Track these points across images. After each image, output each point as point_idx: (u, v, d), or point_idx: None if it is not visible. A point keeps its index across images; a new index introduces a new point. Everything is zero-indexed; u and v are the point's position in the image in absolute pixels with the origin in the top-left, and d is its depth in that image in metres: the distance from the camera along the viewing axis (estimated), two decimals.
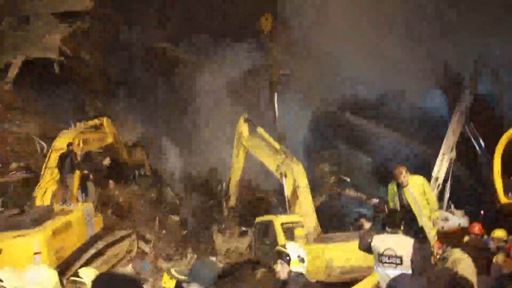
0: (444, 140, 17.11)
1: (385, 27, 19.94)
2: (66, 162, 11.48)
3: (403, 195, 7.16)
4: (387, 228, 5.14)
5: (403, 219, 5.45)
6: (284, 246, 4.08)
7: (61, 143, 12.22)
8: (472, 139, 18.15)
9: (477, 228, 8.60)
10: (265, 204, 19.02)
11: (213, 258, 14.20)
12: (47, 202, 10.74)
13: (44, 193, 10.97)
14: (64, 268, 8.92)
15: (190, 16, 23.99)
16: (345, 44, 20.07)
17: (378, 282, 5.22)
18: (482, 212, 15.40)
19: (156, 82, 23.41)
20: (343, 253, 9.52)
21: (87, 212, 10.83)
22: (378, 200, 20.19)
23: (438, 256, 6.98)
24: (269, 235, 11.62)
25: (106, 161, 16.23)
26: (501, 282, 5.94)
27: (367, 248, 5.16)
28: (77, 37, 20.83)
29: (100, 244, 11.19)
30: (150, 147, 21.01)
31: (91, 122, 14.86)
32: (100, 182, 14.97)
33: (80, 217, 10.37)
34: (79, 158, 12.13)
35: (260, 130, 14.52)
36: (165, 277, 4.55)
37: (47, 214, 9.56)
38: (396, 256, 4.79)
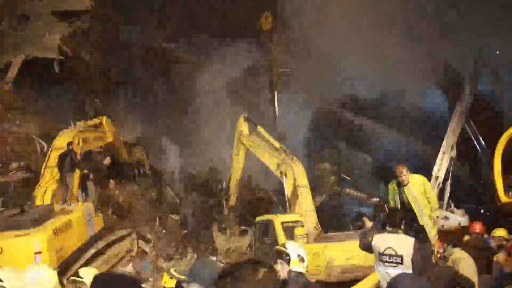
0: (444, 139, 17.14)
1: (385, 27, 19.95)
2: (66, 161, 11.45)
3: (403, 194, 7.16)
4: (387, 227, 5.14)
5: (404, 218, 5.44)
6: (283, 245, 4.07)
7: (61, 142, 12.19)
8: (473, 139, 18.16)
9: (477, 227, 8.60)
10: (265, 203, 19.03)
11: (213, 258, 14.21)
12: (47, 201, 10.72)
13: (44, 192, 10.94)
14: (65, 268, 8.91)
15: (190, 16, 24.00)
16: (345, 44, 20.08)
17: (379, 282, 5.21)
18: (482, 211, 15.42)
19: (156, 82, 23.42)
20: (343, 253, 9.49)
21: (87, 211, 10.82)
22: (378, 199, 20.21)
23: (438, 255, 6.99)
24: (269, 235, 11.63)
25: (106, 161, 16.20)
26: (502, 281, 5.94)
27: (367, 247, 5.15)
28: (77, 37, 20.83)
29: (100, 244, 11.17)
30: (150, 147, 21.01)
31: (90, 122, 14.84)
32: (100, 182, 14.95)
33: (80, 216, 10.36)
34: (79, 157, 12.12)
35: (260, 129, 14.53)
36: (165, 277, 4.54)
37: (48, 213, 9.54)
38: (396, 255, 4.78)
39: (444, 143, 17.06)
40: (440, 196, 15.39)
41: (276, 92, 21.86)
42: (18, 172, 13.73)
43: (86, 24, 21.06)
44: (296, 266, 3.92)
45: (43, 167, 11.92)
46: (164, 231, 16.35)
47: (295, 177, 12.11)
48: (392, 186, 7.37)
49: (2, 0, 20.66)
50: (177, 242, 16.09)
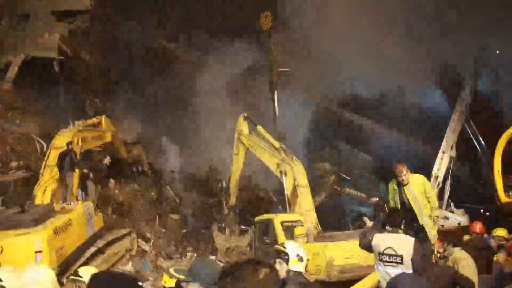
0: (444, 139, 17.15)
1: (385, 27, 19.97)
2: (66, 160, 11.46)
3: (403, 194, 7.15)
4: (387, 227, 5.13)
5: (404, 218, 5.43)
6: (282, 244, 4.06)
7: (60, 141, 12.20)
8: (473, 138, 18.17)
9: (477, 226, 8.61)
10: (265, 203, 19.04)
11: (213, 257, 14.21)
12: (46, 200, 10.73)
13: (44, 191, 10.96)
14: (65, 267, 8.91)
15: (190, 16, 24.00)
16: (345, 44, 20.09)
17: (379, 281, 5.21)
18: (482, 211, 15.43)
19: (156, 81, 23.41)
20: (343, 252, 9.49)
21: (87, 211, 10.82)
22: (378, 199, 20.23)
23: (438, 255, 6.99)
24: (269, 234, 11.63)
25: (106, 160, 16.22)
26: (502, 281, 5.94)
27: (367, 247, 5.15)
28: (77, 37, 20.84)
29: (100, 243, 11.17)
30: (150, 146, 21.01)
31: (89, 121, 14.85)
32: (100, 181, 14.96)
33: (80, 216, 10.36)
34: (78, 157, 12.12)
35: (259, 128, 14.52)
36: (165, 276, 4.53)
37: (48, 213, 9.53)
38: (396, 255, 4.77)
39: (444, 143, 17.07)
40: (440, 196, 15.41)
41: (276, 92, 21.84)
42: (18, 171, 13.74)
43: (86, 24, 21.07)
44: (295, 265, 3.92)
45: (43, 166, 11.93)
46: (164, 230, 16.37)
47: (295, 176, 12.11)
48: (392, 186, 7.35)
49: (2, 0, 20.67)
50: (177, 242, 16.11)
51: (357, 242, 5.40)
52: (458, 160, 17.31)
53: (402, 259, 4.74)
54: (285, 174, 12.29)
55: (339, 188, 21.82)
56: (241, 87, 24.06)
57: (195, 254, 14.82)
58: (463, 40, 18.87)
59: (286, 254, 3.92)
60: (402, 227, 5.19)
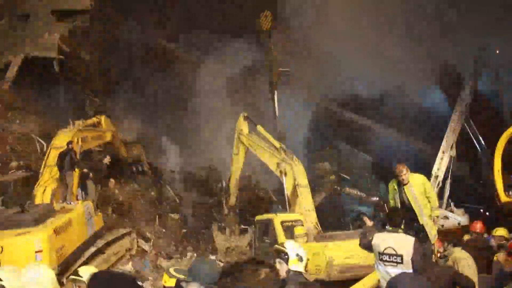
0: (444, 138, 17.18)
1: (385, 27, 19.97)
2: (66, 160, 11.46)
3: (403, 194, 7.16)
4: (387, 226, 5.13)
5: (404, 218, 5.43)
6: (282, 244, 4.06)
7: (60, 141, 12.19)
8: (473, 138, 18.18)
9: (478, 226, 8.61)
10: (265, 203, 19.04)
11: (213, 257, 14.21)
12: (46, 200, 10.73)
13: (44, 191, 10.96)
14: (65, 267, 8.91)
15: (190, 16, 23.99)
16: (345, 44, 20.09)
17: (379, 281, 5.21)
18: (482, 210, 15.44)
19: (156, 81, 23.41)
20: (343, 252, 9.49)
21: (87, 210, 10.81)
22: (378, 198, 20.24)
23: (438, 255, 6.99)
24: (269, 234, 11.63)
25: (106, 160, 16.22)
26: (502, 280, 5.94)
27: (367, 246, 5.15)
28: (76, 37, 20.83)
29: (100, 243, 11.17)
30: (150, 146, 21.01)
31: (89, 121, 14.86)
32: (100, 181, 14.96)
33: (80, 215, 10.35)
34: (78, 157, 12.13)
35: (259, 128, 14.52)
36: (165, 276, 4.54)
37: (48, 212, 9.53)
38: (396, 255, 4.78)
39: (444, 142, 17.09)
40: (440, 196, 15.43)
41: (276, 92, 21.84)
42: (18, 171, 13.73)
43: (86, 24, 21.05)
44: (294, 265, 3.92)
45: (42, 166, 11.94)
46: (164, 230, 16.36)
47: (295, 176, 12.11)
48: (392, 185, 7.36)
49: (2, 0, 20.66)
50: (177, 241, 16.10)
51: (357, 242, 5.40)
52: (458, 160, 17.32)
53: (402, 259, 4.74)
54: (285, 174, 12.29)
55: (339, 188, 21.82)
56: (241, 87, 24.05)
57: (195, 254, 14.81)
58: (463, 40, 18.88)
59: (286, 254, 3.93)
60: (402, 227, 5.19)
